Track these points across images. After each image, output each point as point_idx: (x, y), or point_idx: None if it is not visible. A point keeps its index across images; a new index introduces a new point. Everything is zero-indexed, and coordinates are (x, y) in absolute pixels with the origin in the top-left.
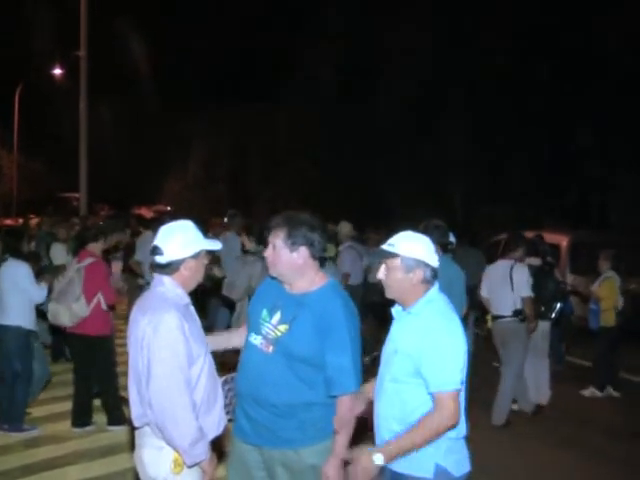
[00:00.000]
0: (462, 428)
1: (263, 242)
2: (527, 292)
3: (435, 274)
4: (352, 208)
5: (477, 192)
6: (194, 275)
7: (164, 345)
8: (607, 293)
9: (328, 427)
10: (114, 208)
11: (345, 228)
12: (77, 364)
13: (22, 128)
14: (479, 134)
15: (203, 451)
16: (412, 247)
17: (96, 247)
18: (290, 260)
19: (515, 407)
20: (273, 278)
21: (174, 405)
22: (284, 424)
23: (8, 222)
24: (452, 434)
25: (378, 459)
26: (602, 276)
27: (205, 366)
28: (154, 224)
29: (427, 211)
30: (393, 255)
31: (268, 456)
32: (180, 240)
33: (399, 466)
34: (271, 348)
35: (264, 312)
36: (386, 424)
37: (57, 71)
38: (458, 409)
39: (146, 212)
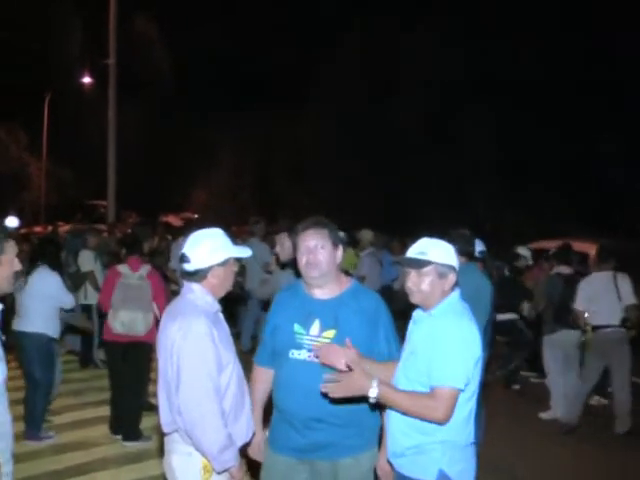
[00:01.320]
0: (470, 435)
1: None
2: (635, 300)
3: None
4: (376, 216)
5: (501, 200)
6: (222, 282)
7: (193, 352)
8: None
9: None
10: (142, 215)
11: (367, 235)
12: (139, 373)
13: (51, 136)
14: (503, 142)
15: (232, 457)
16: (443, 253)
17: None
18: (335, 258)
19: (544, 415)
20: (289, 289)
21: (203, 412)
22: (344, 433)
23: (37, 229)
24: (460, 441)
25: (373, 391)
26: None
27: (234, 374)
28: (185, 231)
29: (452, 219)
30: (426, 263)
31: (323, 468)
32: (207, 247)
33: (404, 468)
34: None
35: (296, 326)
36: (398, 423)
37: (86, 79)
38: (450, 409)
39: (174, 219)
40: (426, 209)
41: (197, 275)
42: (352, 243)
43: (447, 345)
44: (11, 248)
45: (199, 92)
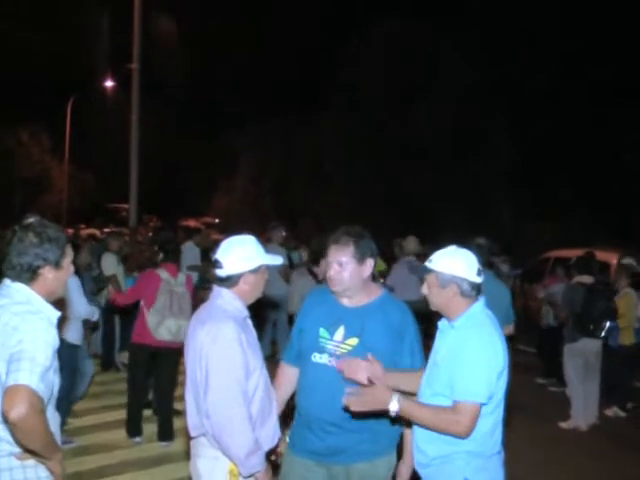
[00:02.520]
0: (495, 445)
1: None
2: None
3: (475, 288)
4: (398, 223)
5: (524, 209)
6: (253, 289)
7: (222, 356)
8: (624, 310)
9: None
10: (162, 219)
11: (412, 243)
12: (174, 376)
13: (73, 139)
14: (526, 151)
15: (259, 462)
16: (447, 263)
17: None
18: (359, 274)
19: (564, 425)
20: (319, 293)
21: (231, 416)
22: (360, 438)
23: None
24: (485, 451)
25: (394, 405)
26: (620, 292)
27: (261, 379)
28: (195, 234)
29: (473, 229)
30: (430, 271)
31: (339, 472)
32: (240, 254)
33: (429, 478)
34: None
35: (321, 330)
36: (423, 433)
37: (109, 83)
38: (472, 423)
39: (193, 224)
40: (448, 218)
41: (228, 281)
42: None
43: (468, 359)
44: (70, 252)
45: (221, 97)
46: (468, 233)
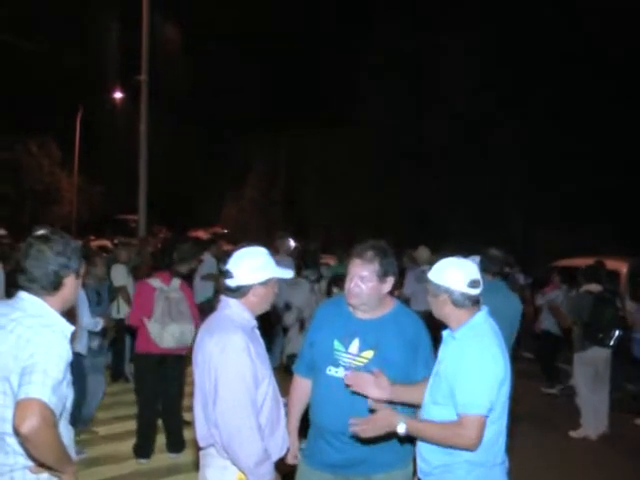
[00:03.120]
0: (497, 455)
1: (317, 265)
2: None
3: (469, 299)
4: (410, 232)
5: (537, 217)
6: (261, 301)
7: (231, 366)
8: None
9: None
10: (172, 230)
11: (424, 253)
12: (180, 385)
13: (82, 151)
14: (537, 159)
15: (268, 471)
16: (440, 272)
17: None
18: (378, 290)
19: (574, 434)
20: (333, 305)
21: (240, 426)
22: (377, 450)
23: None
24: (486, 461)
25: (401, 427)
26: None
27: (270, 389)
28: (210, 246)
29: (484, 237)
30: (427, 280)
31: None
32: (250, 266)
33: None
34: None
35: (336, 343)
36: (425, 443)
37: (118, 95)
38: (479, 435)
39: (203, 234)
40: (460, 228)
41: (238, 292)
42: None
43: (469, 370)
44: (83, 261)
45: (231, 107)
46: (480, 242)
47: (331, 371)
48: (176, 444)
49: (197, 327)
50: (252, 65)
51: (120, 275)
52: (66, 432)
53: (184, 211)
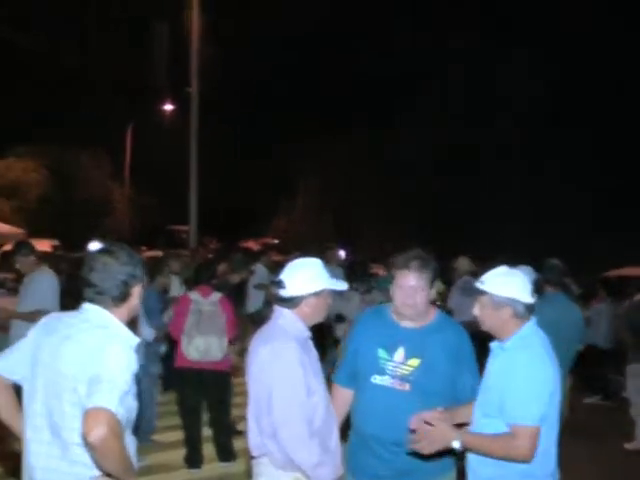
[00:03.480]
0: (548, 466)
1: (366, 276)
2: None
3: (529, 309)
4: (462, 242)
5: (588, 226)
6: (314, 312)
7: (284, 376)
8: None
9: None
10: (222, 241)
11: (464, 263)
12: (222, 398)
13: (133, 163)
14: (592, 167)
15: (328, 473)
16: (500, 284)
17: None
18: (427, 298)
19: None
20: (374, 314)
21: (293, 435)
22: (424, 459)
23: None
24: (538, 473)
25: (456, 443)
26: None
27: (322, 399)
28: (261, 256)
29: (539, 246)
30: (483, 292)
31: None
32: (304, 276)
33: None
34: (407, 386)
35: (380, 351)
36: (476, 454)
37: (168, 107)
38: (533, 447)
39: (253, 245)
40: (514, 237)
41: (291, 302)
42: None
43: (519, 382)
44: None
45: (282, 117)
46: (531, 252)
47: (376, 379)
48: (226, 454)
49: (231, 342)
50: (306, 73)
51: (173, 286)
52: (130, 444)
53: (235, 222)
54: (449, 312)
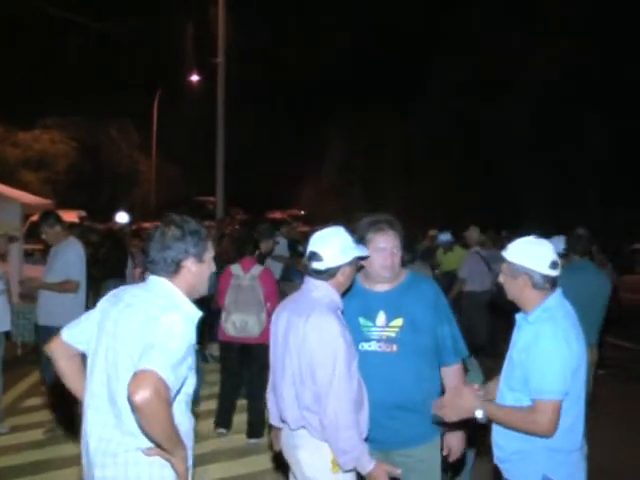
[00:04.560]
0: (576, 441)
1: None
2: None
3: (549, 281)
4: (488, 211)
5: (614, 196)
6: (347, 281)
7: (329, 352)
8: None
9: None
10: (248, 212)
11: (474, 233)
12: (261, 373)
13: (160, 133)
14: (617, 140)
15: (360, 455)
16: (518, 253)
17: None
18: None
19: None
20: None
21: (338, 410)
22: (420, 419)
23: (146, 225)
24: (564, 447)
25: (479, 413)
26: None
27: (357, 370)
28: (282, 226)
29: (564, 218)
30: (504, 260)
31: (398, 457)
32: (338, 246)
33: (508, 473)
34: (395, 347)
35: (361, 319)
36: (500, 429)
37: (194, 77)
38: (555, 421)
39: (280, 216)
40: (539, 208)
41: (326, 273)
42: (459, 242)
43: (542, 355)
44: (211, 248)
45: (309, 85)
46: (554, 222)
47: (364, 347)
48: (255, 431)
49: (269, 314)
50: (333, 41)
51: None
52: (185, 419)
53: (262, 192)
54: (463, 283)
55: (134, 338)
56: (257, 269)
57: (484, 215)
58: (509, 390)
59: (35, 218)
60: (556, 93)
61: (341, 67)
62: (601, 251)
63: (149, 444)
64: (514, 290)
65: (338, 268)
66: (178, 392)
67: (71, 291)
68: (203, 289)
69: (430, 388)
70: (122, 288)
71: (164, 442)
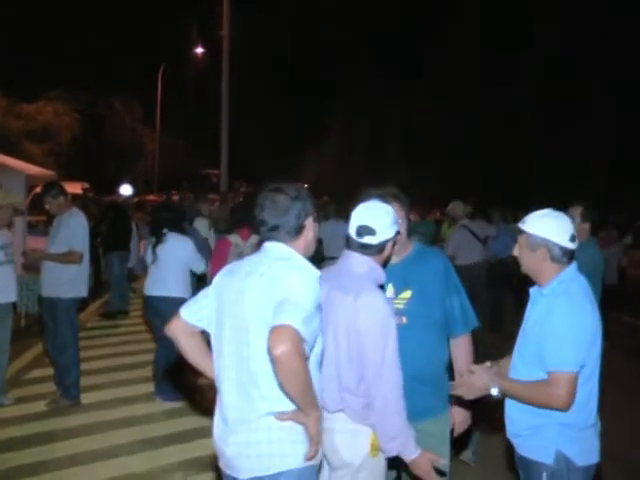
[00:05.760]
0: (589, 417)
1: None
2: None
3: (567, 254)
4: (491, 188)
5: (622, 171)
6: (389, 256)
7: (381, 332)
8: None
9: None
10: (252, 185)
11: (458, 207)
12: None
13: (164, 107)
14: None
15: (400, 444)
16: (538, 224)
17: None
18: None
19: None
20: None
21: (387, 395)
22: (430, 392)
23: (150, 198)
24: (578, 423)
25: (495, 390)
26: None
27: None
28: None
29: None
30: (522, 232)
31: None
32: (389, 219)
33: (521, 449)
34: (405, 319)
35: None
36: (514, 404)
37: (199, 50)
38: (571, 394)
39: None
40: (544, 186)
41: (376, 248)
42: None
43: (557, 328)
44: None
45: (314, 61)
46: (561, 199)
47: None
48: None
49: None
50: (339, 16)
51: (202, 229)
52: (316, 380)
53: (265, 166)
54: (451, 259)
55: (263, 300)
56: (255, 238)
57: (488, 194)
58: (523, 364)
59: (38, 190)
60: (557, 69)
61: (347, 40)
62: (613, 227)
63: (281, 408)
64: (531, 262)
65: (387, 242)
66: (310, 350)
67: (74, 262)
68: (314, 247)
69: (439, 359)
70: (238, 261)
71: (300, 398)
